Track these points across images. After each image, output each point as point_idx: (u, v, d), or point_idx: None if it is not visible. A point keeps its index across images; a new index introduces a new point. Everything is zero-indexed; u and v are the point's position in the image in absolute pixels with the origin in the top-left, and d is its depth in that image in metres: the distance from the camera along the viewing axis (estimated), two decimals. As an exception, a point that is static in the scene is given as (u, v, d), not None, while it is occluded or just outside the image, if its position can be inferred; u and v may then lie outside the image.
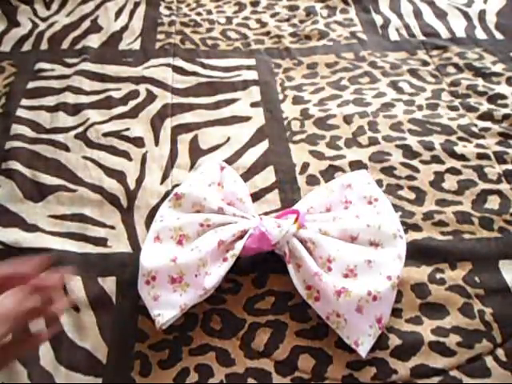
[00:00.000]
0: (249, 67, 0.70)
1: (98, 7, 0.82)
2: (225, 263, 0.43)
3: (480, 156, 0.57)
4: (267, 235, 0.44)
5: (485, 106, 0.63)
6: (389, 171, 0.56)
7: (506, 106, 0.63)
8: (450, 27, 0.78)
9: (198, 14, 0.81)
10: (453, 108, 0.64)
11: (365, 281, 0.42)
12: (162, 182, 0.55)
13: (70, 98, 0.65)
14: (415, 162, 0.57)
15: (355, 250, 0.44)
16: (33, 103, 0.64)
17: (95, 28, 0.78)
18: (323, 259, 0.43)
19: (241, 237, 0.44)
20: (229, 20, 0.80)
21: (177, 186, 0.52)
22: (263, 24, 0.79)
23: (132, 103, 0.65)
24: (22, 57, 0.72)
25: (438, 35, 0.76)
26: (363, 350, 0.40)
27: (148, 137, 0.60)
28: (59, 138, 0.60)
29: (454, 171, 0.56)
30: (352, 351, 0.41)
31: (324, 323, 0.42)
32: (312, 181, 0.55)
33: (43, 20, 0.79)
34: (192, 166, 0.57)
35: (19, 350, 0.33)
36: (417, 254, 0.48)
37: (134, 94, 0.66)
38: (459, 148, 0.58)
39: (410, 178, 0.55)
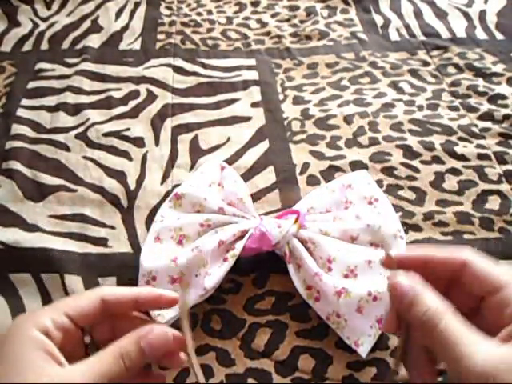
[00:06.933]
0: (249, 67, 0.70)
1: (98, 7, 0.82)
2: (225, 263, 0.43)
3: (480, 156, 0.57)
4: (268, 235, 0.44)
5: (485, 107, 0.63)
6: (389, 171, 0.56)
7: (506, 106, 0.63)
8: (450, 27, 0.78)
9: (199, 14, 0.81)
10: (453, 108, 0.64)
11: (365, 281, 0.42)
12: (162, 182, 0.55)
13: (70, 98, 0.65)
14: (415, 163, 0.57)
15: (355, 250, 0.44)
16: (33, 103, 0.64)
17: (95, 28, 0.78)
18: (323, 259, 0.43)
19: (241, 237, 0.44)
20: (229, 20, 0.80)
21: (177, 186, 0.52)
22: (263, 24, 0.79)
23: (132, 103, 0.64)
24: (22, 57, 0.72)
25: (439, 35, 0.76)
26: (363, 351, 0.40)
27: (148, 137, 0.60)
28: (59, 137, 0.60)
29: (454, 171, 0.56)
30: (352, 351, 0.41)
31: (324, 323, 0.42)
32: (312, 181, 0.55)
33: (44, 20, 0.79)
34: (192, 166, 0.57)
35: None
36: (417, 254, 0.48)
37: (134, 94, 0.66)
38: (460, 148, 0.58)
39: (410, 178, 0.55)
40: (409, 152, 0.58)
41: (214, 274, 0.42)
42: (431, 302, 0.26)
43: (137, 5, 0.82)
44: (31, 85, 0.67)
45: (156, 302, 0.32)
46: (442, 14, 0.80)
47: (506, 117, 0.61)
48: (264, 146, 0.59)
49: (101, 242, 0.49)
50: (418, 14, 0.80)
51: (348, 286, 0.41)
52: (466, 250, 0.29)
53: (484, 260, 0.29)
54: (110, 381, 0.26)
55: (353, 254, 0.43)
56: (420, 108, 0.64)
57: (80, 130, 0.61)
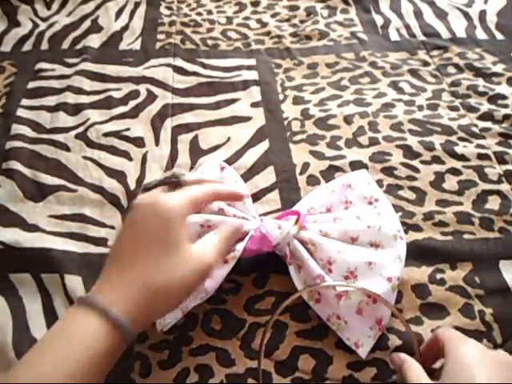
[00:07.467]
0: (249, 67, 0.70)
1: (98, 7, 0.82)
2: (226, 265, 0.43)
3: (480, 156, 0.57)
4: (268, 236, 0.44)
5: (485, 107, 0.63)
6: (389, 171, 0.56)
7: (506, 106, 0.63)
8: (450, 27, 0.78)
9: (199, 14, 0.81)
10: (453, 108, 0.64)
11: (365, 283, 0.42)
12: (162, 182, 0.55)
13: (70, 98, 0.65)
14: (415, 163, 0.57)
15: (356, 252, 0.44)
16: (33, 103, 0.64)
17: (95, 28, 0.78)
18: (323, 261, 0.43)
19: (241, 238, 0.44)
20: (229, 20, 0.80)
21: (177, 186, 0.52)
22: (263, 24, 0.79)
23: (132, 103, 0.65)
24: (22, 57, 0.72)
25: (439, 35, 0.76)
26: (363, 352, 0.40)
27: (148, 137, 0.60)
28: (59, 137, 0.60)
29: (454, 171, 0.56)
30: (352, 351, 0.41)
31: (324, 323, 0.42)
32: (312, 181, 0.55)
33: (43, 20, 0.79)
34: (192, 166, 0.57)
35: None
36: (417, 254, 0.48)
37: (134, 94, 0.66)
38: (460, 148, 0.58)
39: (410, 178, 0.55)
40: (409, 152, 0.58)
41: (214, 277, 0.42)
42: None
43: (137, 5, 0.82)
44: (31, 85, 0.67)
45: (230, 197, 0.44)
46: (442, 14, 0.80)
47: (506, 117, 0.61)
48: (264, 145, 0.59)
49: (101, 241, 0.49)
50: (418, 14, 0.80)
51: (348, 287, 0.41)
52: (441, 328, 0.39)
53: (448, 329, 0.37)
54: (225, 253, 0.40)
55: (353, 256, 0.43)
56: (420, 108, 0.64)
57: (80, 129, 0.61)
